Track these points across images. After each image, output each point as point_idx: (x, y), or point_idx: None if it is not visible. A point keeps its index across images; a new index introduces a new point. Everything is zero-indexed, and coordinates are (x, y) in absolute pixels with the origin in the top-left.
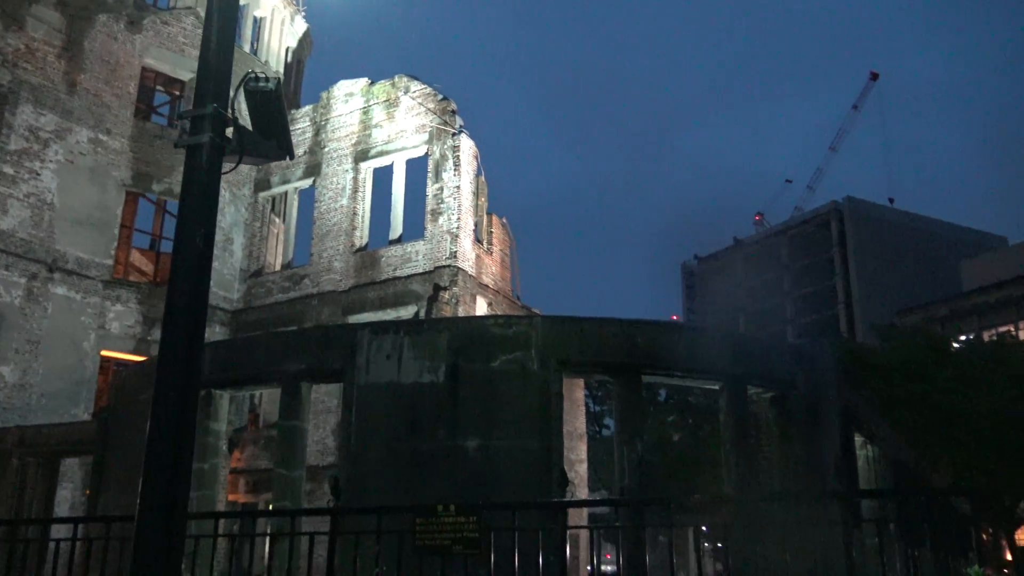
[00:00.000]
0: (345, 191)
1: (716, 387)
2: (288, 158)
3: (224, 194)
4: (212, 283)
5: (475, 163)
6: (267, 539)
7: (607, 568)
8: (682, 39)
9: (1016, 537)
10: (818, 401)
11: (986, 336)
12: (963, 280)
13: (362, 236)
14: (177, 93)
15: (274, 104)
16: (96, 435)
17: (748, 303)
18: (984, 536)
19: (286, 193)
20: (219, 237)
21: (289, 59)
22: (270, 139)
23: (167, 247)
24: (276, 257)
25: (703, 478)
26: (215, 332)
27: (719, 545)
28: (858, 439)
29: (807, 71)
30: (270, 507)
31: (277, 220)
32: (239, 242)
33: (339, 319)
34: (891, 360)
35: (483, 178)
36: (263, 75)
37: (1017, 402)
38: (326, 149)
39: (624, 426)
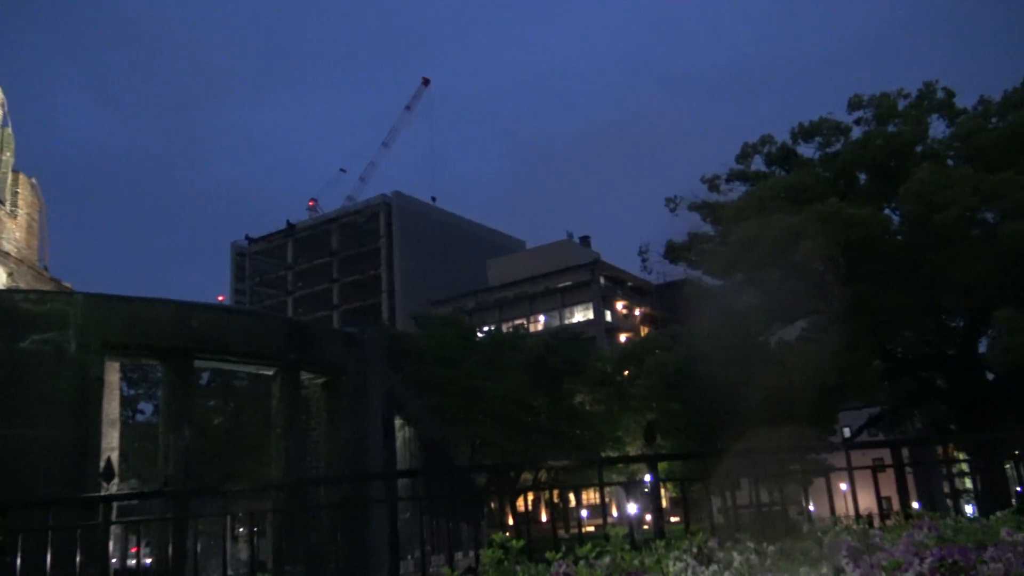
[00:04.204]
0: None
1: (270, 372)
2: None
3: None
4: None
5: (0, 111)
6: None
7: (133, 562)
8: (234, 13)
9: (516, 505)
10: (365, 386)
11: (505, 327)
12: (489, 277)
13: None
14: None
15: None
16: None
17: (298, 287)
18: (492, 505)
19: None
20: None
21: None
22: None
23: None
24: None
25: (244, 462)
26: None
27: (255, 529)
28: (398, 421)
29: (363, 67)
30: None
31: None
32: None
33: None
34: (426, 347)
35: (9, 129)
36: None
37: (525, 385)
38: None
39: (171, 412)
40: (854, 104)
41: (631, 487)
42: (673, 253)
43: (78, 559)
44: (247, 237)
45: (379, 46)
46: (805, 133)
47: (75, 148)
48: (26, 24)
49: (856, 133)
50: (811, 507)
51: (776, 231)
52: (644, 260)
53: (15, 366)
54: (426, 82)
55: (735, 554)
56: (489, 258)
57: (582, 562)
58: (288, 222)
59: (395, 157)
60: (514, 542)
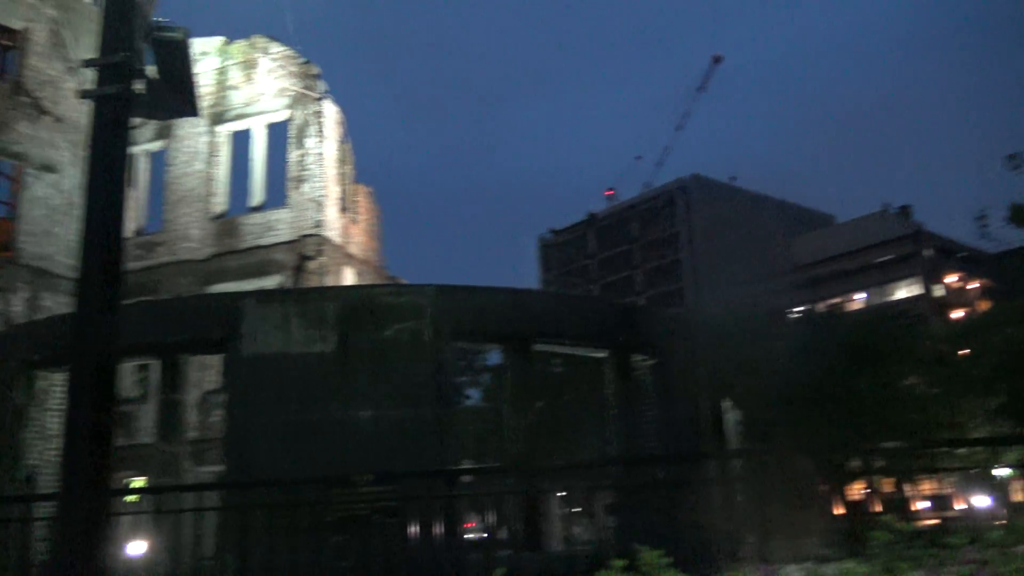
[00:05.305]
0: (200, 155)
1: (603, 355)
2: (194, 115)
3: (64, 154)
4: (57, 251)
5: (340, 130)
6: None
7: (471, 536)
8: (518, 13)
9: (845, 492)
10: (692, 367)
11: (819, 306)
12: (796, 254)
13: (220, 203)
14: (9, 43)
15: (181, 56)
16: None
17: (601, 275)
18: (819, 491)
19: (133, 155)
20: (60, 201)
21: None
22: (177, 93)
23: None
24: (126, 223)
25: (563, 444)
26: (60, 303)
27: (578, 509)
28: (725, 403)
29: (651, 50)
30: (133, 484)
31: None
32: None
33: (198, 289)
34: (736, 329)
35: (349, 145)
36: (170, 24)
37: (846, 367)
38: None
39: (516, 394)
40: None
41: (978, 477)
42: (1020, 216)
43: (439, 528)
44: (551, 230)
45: (658, 27)
46: None
47: (387, 154)
48: (344, 53)
49: None
50: None
51: None
52: (983, 227)
53: (381, 353)
54: (717, 59)
55: None
56: (795, 235)
57: (992, 549)
58: (589, 212)
59: (688, 138)
60: (903, 526)
